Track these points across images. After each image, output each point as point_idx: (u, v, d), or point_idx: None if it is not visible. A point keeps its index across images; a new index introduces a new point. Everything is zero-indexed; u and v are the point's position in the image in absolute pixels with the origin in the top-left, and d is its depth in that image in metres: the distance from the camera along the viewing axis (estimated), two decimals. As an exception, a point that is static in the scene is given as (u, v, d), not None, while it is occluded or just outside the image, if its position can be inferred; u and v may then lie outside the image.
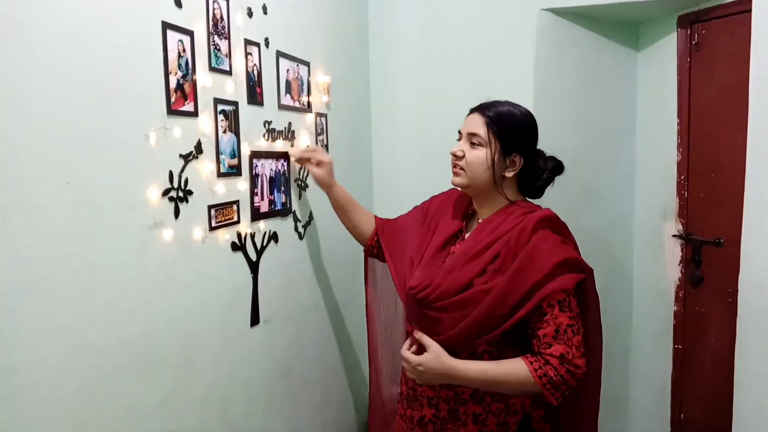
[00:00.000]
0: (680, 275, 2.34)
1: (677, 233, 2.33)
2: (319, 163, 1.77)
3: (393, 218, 1.81)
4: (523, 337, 1.39)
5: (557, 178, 1.51)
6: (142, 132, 1.21)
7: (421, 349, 1.41)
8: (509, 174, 1.44)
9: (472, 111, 1.49)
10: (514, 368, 1.31)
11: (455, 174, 1.48)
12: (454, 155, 1.48)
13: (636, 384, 2.59)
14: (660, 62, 2.38)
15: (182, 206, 1.33)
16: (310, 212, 1.97)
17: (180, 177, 1.32)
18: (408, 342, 1.45)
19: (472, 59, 2.35)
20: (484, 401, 1.40)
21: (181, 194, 1.32)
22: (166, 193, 1.28)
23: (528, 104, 2.16)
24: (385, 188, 2.52)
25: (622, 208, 2.54)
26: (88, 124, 1.08)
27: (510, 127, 1.42)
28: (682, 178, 2.30)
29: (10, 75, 0.93)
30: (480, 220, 1.50)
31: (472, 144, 1.44)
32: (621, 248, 2.56)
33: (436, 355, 1.36)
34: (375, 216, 1.82)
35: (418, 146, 2.46)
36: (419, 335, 1.41)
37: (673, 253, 2.36)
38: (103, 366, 1.13)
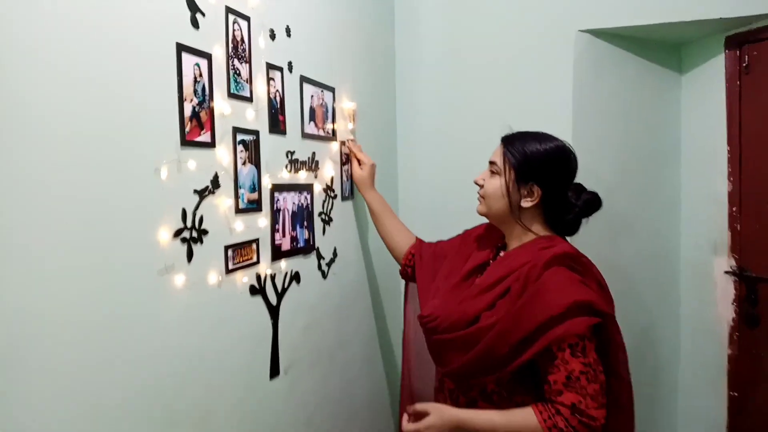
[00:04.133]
0: (734, 315, 2.16)
1: (730, 269, 2.16)
2: (361, 165, 1.84)
3: (434, 243, 1.75)
4: (538, 382, 1.29)
5: None
6: (153, 166, 1.08)
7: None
8: (526, 204, 1.37)
9: (501, 140, 1.45)
10: (523, 417, 1.23)
11: (479, 202, 1.47)
12: (477, 183, 1.47)
13: (686, 429, 2.39)
14: (706, 85, 2.24)
15: (196, 248, 1.19)
16: (335, 248, 1.82)
17: (194, 215, 1.19)
18: (405, 417, 1.36)
19: (504, 84, 2.23)
20: None
21: (194, 234, 1.19)
22: (178, 233, 1.14)
23: (566, 129, 2.13)
24: (411, 215, 2.38)
25: (667, 240, 2.37)
26: (93, 159, 0.95)
27: (526, 156, 1.36)
28: (734, 209, 2.14)
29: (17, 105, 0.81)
30: (502, 254, 1.46)
31: (492, 172, 1.43)
32: (666, 283, 2.38)
33: (437, 411, 1.29)
34: (417, 238, 1.80)
35: (445, 174, 2.35)
36: (412, 407, 1.34)
37: (725, 290, 2.19)
38: (118, 423, 1.01)
